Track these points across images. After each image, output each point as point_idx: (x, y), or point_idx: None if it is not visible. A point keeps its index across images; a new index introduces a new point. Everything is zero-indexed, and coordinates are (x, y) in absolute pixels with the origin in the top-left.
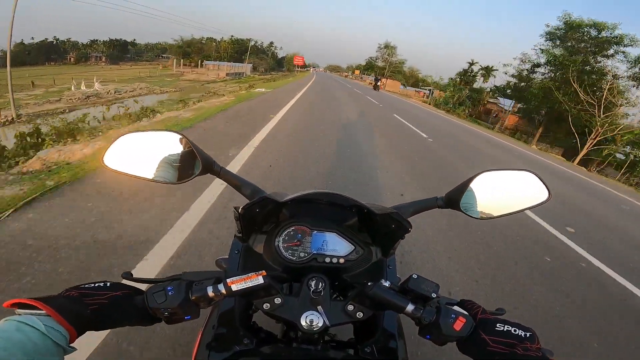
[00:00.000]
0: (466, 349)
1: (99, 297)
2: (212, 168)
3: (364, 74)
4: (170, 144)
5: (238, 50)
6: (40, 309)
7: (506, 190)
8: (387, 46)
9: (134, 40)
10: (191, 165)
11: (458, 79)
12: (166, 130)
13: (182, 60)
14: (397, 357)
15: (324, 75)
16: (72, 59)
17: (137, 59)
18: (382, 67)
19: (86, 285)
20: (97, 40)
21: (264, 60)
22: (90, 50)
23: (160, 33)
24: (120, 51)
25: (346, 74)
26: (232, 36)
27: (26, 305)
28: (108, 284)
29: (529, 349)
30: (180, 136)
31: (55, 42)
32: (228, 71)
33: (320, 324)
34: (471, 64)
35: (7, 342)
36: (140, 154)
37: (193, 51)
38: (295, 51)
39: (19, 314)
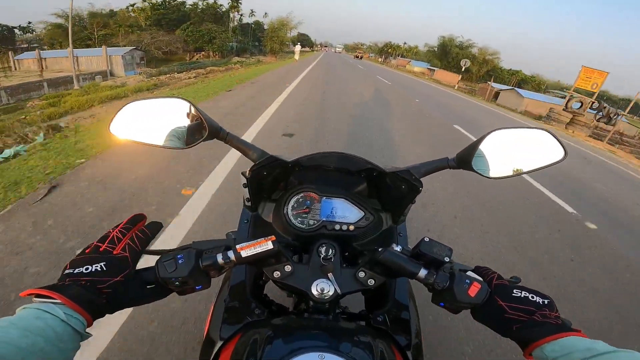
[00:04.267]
0: (482, 317)
1: (103, 285)
2: (218, 133)
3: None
4: (176, 110)
5: (165, 19)
6: (55, 299)
7: (519, 149)
8: None
9: (29, 24)
10: (197, 130)
11: None
12: (172, 96)
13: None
14: (410, 326)
15: (336, 62)
16: None
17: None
18: None
19: (85, 270)
20: None
21: (215, 37)
22: None
23: None
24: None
25: (360, 53)
26: None
27: (41, 295)
28: (104, 266)
29: (548, 316)
30: (186, 102)
31: None
32: (64, 73)
33: (331, 292)
34: None
35: (28, 330)
36: (147, 121)
37: (93, 29)
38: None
39: (35, 303)
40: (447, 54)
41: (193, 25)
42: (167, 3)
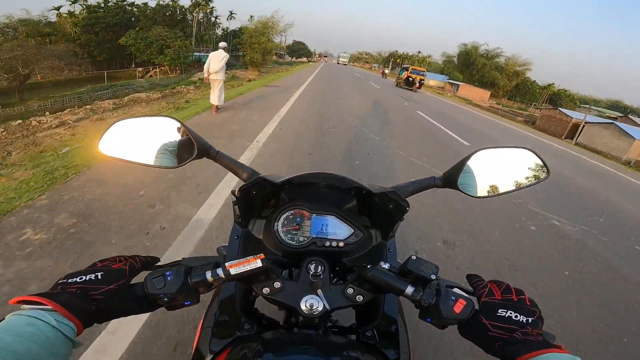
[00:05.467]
0: (467, 333)
1: (96, 292)
2: (207, 152)
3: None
4: (165, 129)
5: (100, 23)
6: (46, 305)
7: (504, 168)
8: None
9: None
10: (187, 149)
11: None
12: (160, 115)
13: None
14: (398, 340)
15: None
16: None
17: None
18: None
19: (79, 279)
20: None
21: (169, 46)
22: None
23: None
24: None
25: (415, 75)
26: None
27: (31, 302)
28: (99, 276)
29: (529, 333)
30: (175, 121)
31: None
32: None
33: (320, 308)
34: None
35: (22, 336)
36: (136, 139)
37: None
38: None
39: (25, 309)
40: (470, 65)
41: (142, 31)
42: (107, 5)
